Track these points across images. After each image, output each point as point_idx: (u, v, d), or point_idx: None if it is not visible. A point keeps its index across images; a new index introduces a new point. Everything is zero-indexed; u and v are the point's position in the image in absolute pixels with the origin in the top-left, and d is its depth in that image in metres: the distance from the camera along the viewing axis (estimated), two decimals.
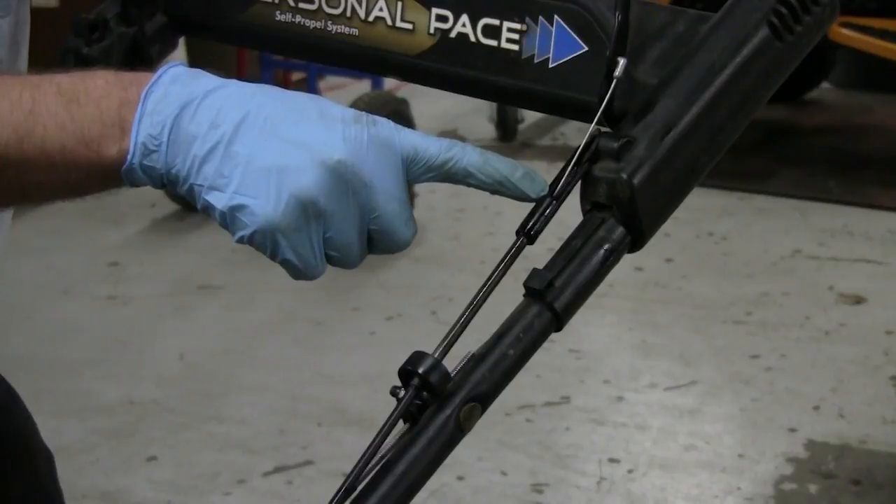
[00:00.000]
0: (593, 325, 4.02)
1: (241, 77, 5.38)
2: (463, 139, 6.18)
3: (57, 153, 0.83)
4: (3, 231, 1.15)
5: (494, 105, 6.04)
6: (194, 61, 5.86)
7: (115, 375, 3.61)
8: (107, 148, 0.84)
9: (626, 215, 0.84)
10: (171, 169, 0.84)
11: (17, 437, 1.22)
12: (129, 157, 0.84)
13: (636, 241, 0.86)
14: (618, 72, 0.84)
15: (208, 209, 0.84)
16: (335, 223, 0.83)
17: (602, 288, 3.48)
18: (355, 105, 4.69)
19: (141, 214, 5.05)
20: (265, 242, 0.84)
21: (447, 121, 6.31)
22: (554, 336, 3.20)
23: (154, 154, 0.84)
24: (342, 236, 0.84)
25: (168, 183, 0.85)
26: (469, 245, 4.75)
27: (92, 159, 0.84)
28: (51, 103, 0.83)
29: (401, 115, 4.85)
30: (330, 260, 0.86)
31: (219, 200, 0.83)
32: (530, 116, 6.22)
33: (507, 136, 6.14)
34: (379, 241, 0.86)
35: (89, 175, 0.85)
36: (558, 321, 0.83)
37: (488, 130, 6.19)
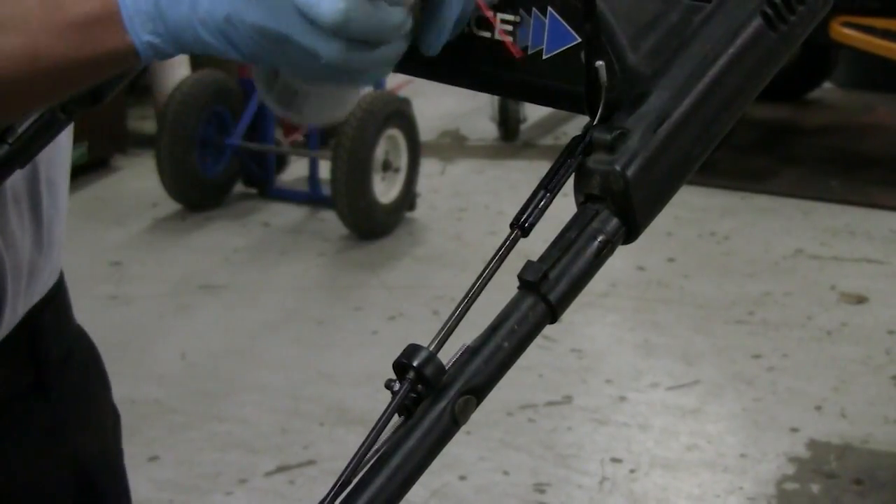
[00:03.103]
0: (595, 325, 4.02)
1: (243, 77, 5.37)
2: (465, 139, 6.20)
3: (69, 62, 0.85)
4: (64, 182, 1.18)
5: (496, 104, 6.04)
6: (195, 60, 5.84)
7: (116, 375, 3.59)
8: (112, 43, 0.85)
9: (620, 207, 0.84)
10: (180, 45, 0.85)
11: (92, 398, 1.28)
12: (140, 53, 0.85)
13: (630, 232, 0.85)
14: (602, 78, 0.85)
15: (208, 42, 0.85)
16: (287, 37, 0.82)
17: (604, 287, 3.51)
18: (357, 105, 4.69)
19: (142, 214, 5.05)
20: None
21: (449, 120, 6.31)
22: (556, 336, 3.21)
23: (160, 44, 0.85)
24: (302, 45, 0.82)
25: (182, 52, 0.86)
26: (471, 245, 4.75)
27: (101, 54, 0.85)
28: (42, 19, 0.84)
29: (403, 114, 4.85)
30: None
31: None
32: (532, 116, 6.22)
33: (509, 135, 6.14)
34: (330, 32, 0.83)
35: (108, 64, 0.86)
36: (553, 313, 0.83)
37: (490, 130, 6.19)
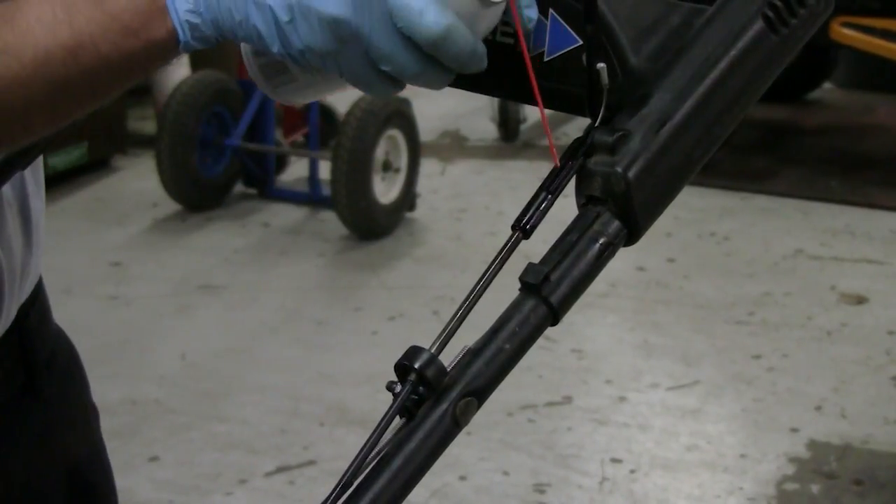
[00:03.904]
0: (595, 325, 4.02)
1: (242, 77, 5.37)
2: (465, 139, 6.20)
3: (112, 53, 0.85)
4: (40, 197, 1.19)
5: (496, 105, 6.04)
6: (195, 60, 5.84)
7: (116, 375, 3.62)
8: (154, 32, 0.85)
9: (622, 209, 0.84)
10: (220, 30, 0.85)
11: (77, 397, 1.28)
12: (179, 37, 0.85)
13: (632, 234, 0.86)
14: (603, 80, 0.85)
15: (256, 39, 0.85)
16: (366, 37, 0.82)
17: (604, 288, 3.51)
18: (357, 105, 4.69)
19: (143, 215, 5.05)
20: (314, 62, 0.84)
21: (449, 121, 6.31)
22: (556, 336, 3.21)
23: (199, 24, 0.85)
24: (379, 48, 0.82)
25: (221, 39, 0.86)
26: (471, 245, 4.75)
27: (145, 46, 0.85)
28: (84, 9, 0.84)
29: (403, 114, 4.85)
30: (387, 73, 0.84)
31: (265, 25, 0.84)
32: (532, 116, 6.22)
33: (509, 135, 6.14)
34: (418, 43, 0.83)
35: (148, 58, 0.87)
36: (554, 315, 0.83)
37: (490, 130, 6.19)
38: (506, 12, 0.85)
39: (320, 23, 0.82)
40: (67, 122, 0.90)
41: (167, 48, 0.86)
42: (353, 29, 0.81)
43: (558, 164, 0.86)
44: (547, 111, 0.87)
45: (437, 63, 0.83)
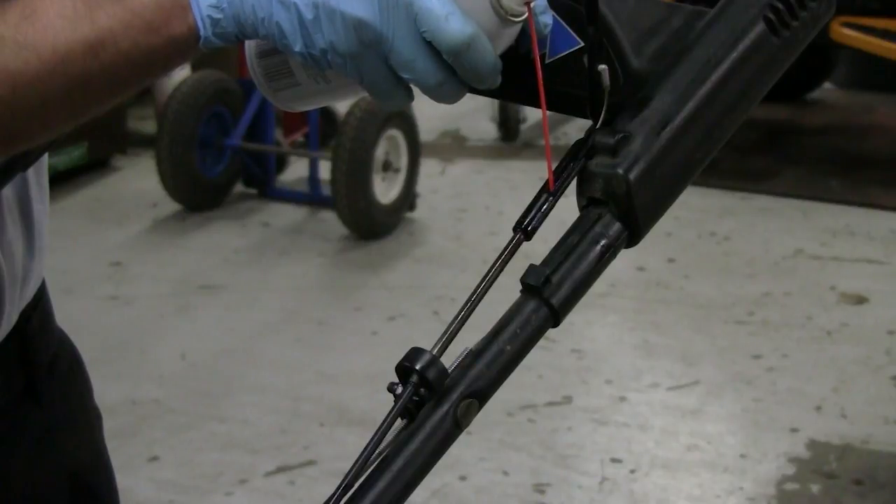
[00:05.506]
0: (595, 325, 4.02)
1: (242, 77, 5.36)
2: (465, 139, 6.19)
3: (132, 50, 0.85)
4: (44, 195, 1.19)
5: (496, 105, 6.04)
6: (196, 60, 5.82)
7: (116, 375, 3.62)
8: (176, 28, 0.85)
9: (623, 210, 0.84)
10: (242, 27, 0.85)
11: (79, 401, 1.28)
12: (200, 32, 0.85)
13: (633, 236, 0.86)
14: (605, 82, 0.85)
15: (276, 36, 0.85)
16: (389, 42, 0.83)
17: (604, 288, 3.51)
18: (357, 105, 4.69)
19: (143, 214, 5.05)
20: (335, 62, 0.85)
21: (449, 121, 6.31)
22: (556, 336, 3.21)
23: (221, 20, 0.85)
24: (402, 54, 0.83)
25: (242, 37, 0.87)
26: (471, 245, 4.75)
27: (165, 43, 0.85)
28: (105, 5, 0.84)
29: (403, 114, 4.85)
30: (409, 83, 0.85)
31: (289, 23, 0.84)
32: (532, 116, 6.21)
33: (509, 135, 6.14)
34: (442, 52, 0.83)
35: (168, 56, 0.87)
36: (555, 317, 0.83)
37: (490, 130, 6.19)
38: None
39: (345, 24, 0.82)
40: (85, 119, 0.90)
41: (187, 45, 0.86)
42: (377, 32, 0.82)
43: (552, 187, 0.86)
44: (547, 114, 0.87)
45: (455, 75, 0.84)
